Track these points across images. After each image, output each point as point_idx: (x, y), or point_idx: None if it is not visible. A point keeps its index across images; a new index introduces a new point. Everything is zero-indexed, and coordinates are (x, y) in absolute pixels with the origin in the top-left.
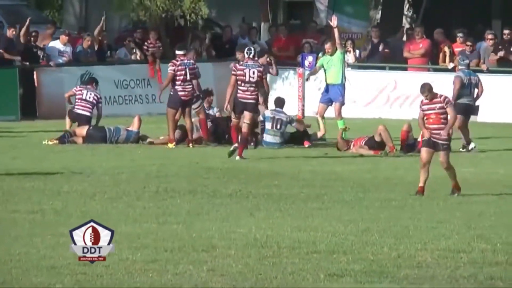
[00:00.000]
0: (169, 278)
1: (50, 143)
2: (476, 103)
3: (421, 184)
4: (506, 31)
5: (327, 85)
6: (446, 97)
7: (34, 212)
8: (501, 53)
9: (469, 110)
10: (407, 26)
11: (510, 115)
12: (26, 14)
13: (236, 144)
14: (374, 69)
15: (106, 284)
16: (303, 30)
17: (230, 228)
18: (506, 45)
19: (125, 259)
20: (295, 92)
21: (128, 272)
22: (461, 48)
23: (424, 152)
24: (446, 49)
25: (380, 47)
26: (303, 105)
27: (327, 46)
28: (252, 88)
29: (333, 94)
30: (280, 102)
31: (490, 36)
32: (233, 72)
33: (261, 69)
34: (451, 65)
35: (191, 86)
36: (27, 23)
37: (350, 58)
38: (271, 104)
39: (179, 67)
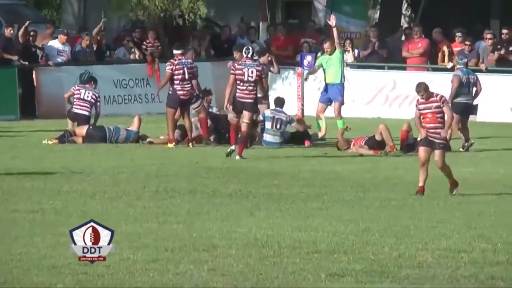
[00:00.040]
0: (170, 278)
1: (49, 142)
2: (475, 103)
3: (420, 184)
4: (504, 31)
5: (326, 84)
6: (442, 96)
7: (34, 212)
8: (500, 52)
9: (468, 109)
10: (405, 25)
11: (509, 114)
12: (25, 14)
13: (233, 147)
14: (373, 68)
15: (107, 284)
16: (301, 30)
17: (230, 228)
18: (505, 45)
19: (126, 258)
20: (294, 92)
21: (129, 272)
22: (460, 48)
23: (422, 151)
24: (445, 48)
25: (376, 46)
26: (302, 105)
27: (326, 45)
28: (250, 88)
29: (332, 94)
30: (280, 102)
31: (489, 36)
32: (231, 72)
33: (259, 68)
34: (450, 65)
35: (189, 85)
36: (26, 24)
37: (349, 57)
38: (270, 104)
39: (177, 66)
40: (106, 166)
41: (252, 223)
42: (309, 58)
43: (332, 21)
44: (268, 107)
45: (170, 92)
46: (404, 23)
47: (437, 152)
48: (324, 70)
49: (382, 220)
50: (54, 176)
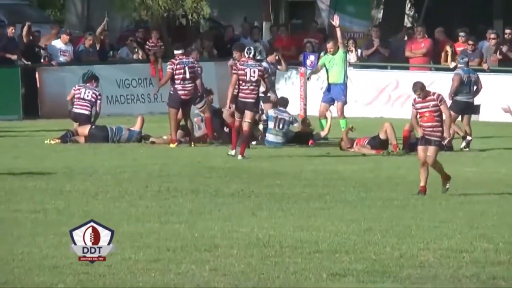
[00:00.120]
0: (171, 278)
1: (52, 142)
2: (478, 102)
3: (422, 184)
4: (507, 31)
5: (329, 84)
6: (439, 95)
7: (36, 212)
8: (504, 49)
9: (468, 107)
10: (408, 25)
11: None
12: (28, 13)
13: (233, 151)
14: (375, 68)
15: (108, 283)
16: (304, 30)
17: (232, 228)
18: (508, 45)
19: (128, 258)
20: (297, 92)
21: (130, 271)
22: (463, 48)
23: (421, 150)
24: (448, 48)
25: (379, 45)
26: (305, 105)
27: (329, 45)
28: (252, 87)
29: (335, 94)
30: (283, 102)
31: (492, 36)
32: (234, 71)
33: (261, 68)
34: (452, 65)
35: (191, 85)
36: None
37: (352, 57)
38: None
39: (178, 66)
40: (108, 165)
41: (254, 223)
42: (312, 58)
43: (336, 21)
44: (274, 102)
45: (171, 92)
46: (407, 23)
47: (431, 148)
48: (327, 70)
49: (384, 220)
50: (56, 176)
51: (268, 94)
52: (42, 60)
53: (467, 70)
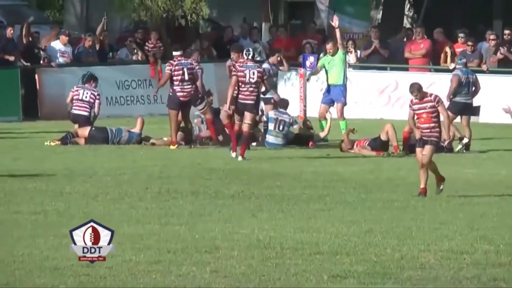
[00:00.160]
0: (172, 280)
1: (52, 144)
2: (478, 104)
3: (422, 186)
4: (506, 31)
5: (329, 85)
6: (436, 96)
7: (37, 213)
8: (502, 51)
9: (467, 108)
10: (408, 26)
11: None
12: (27, 14)
13: (234, 154)
14: (375, 69)
15: (109, 285)
16: (304, 31)
17: (232, 229)
18: (507, 45)
19: (128, 260)
20: (296, 93)
21: (131, 273)
22: (462, 49)
23: (419, 152)
24: (448, 49)
25: (377, 46)
26: (304, 106)
27: (329, 46)
28: (251, 89)
29: (335, 95)
30: (283, 103)
31: (492, 37)
32: (233, 73)
33: (261, 69)
34: (452, 66)
35: (190, 86)
36: (27, 20)
37: (351, 58)
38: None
39: (176, 67)
40: (108, 167)
41: (255, 225)
42: (311, 59)
43: (335, 22)
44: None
45: (170, 94)
46: (406, 23)
47: (427, 147)
48: (326, 71)
49: (384, 222)
50: (57, 178)
51: (270, 95)
52: (41, 61)
53: (465, 71)
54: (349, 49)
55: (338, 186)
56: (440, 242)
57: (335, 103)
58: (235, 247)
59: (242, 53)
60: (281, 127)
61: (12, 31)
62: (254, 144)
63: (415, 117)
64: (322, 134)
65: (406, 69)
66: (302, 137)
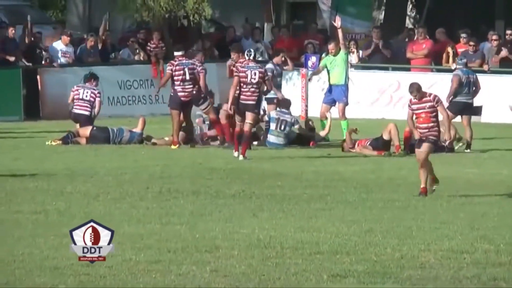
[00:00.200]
0: (172, 279)
1: (53, 143)
2: (480, 104)
3: (422, 185)
4: (508, 32)
5: (330, 85)
6: (435, 96)
7: (37, 213)
8: (504, 53)
9: (467, 108)
10: (410, 26)
11: None
12: (30, 14)
13: (236, 153)
14: (377, 69)
15: (109, 284)
16: (306, 31)
17: (233, 229)
18: (509, 46)
19: (128, 259)
20: (298, 93)
21: (131, 272)
22: (465, 49)
23: (418, 152)
24: (450, 49)
25: (380, 46)
26: (306, 106)
27: (331, 46)
28: (253, 89)
29: (336, 95)
30: (285, 103)
31: (494, 37)
32: (235, 74)
33: (262, 70)
34: (454, 66)
35: (191, 86)
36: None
37: (353, 58)
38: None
39: (177, 67)
40: (109, 167)
41: (255, 224)
42: (313, 59)
43: (338, 22)
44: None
45: (172, 94)
46: (408, 24)
47: (425, 144)
48: (328, 71)
49: (385, 221)
50: (58, 177)
51: (274, 95)
52: (43, 62)
53: (465, 71)
54: (351, 49)
55: (339, 185)
56: (440, 242)
57: (337, 103)
58: (235, 246)
59: (242, 53)
60: (282, 127)
61: (13, 31)
62: (255, 143)
63: (414, 117)
64: (322, 133)
65: (408, 69)
66: (303, 137)
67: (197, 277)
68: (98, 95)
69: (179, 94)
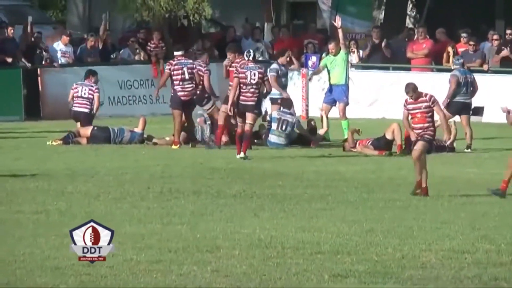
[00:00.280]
0: (173, 279)
1: (54, 143)
2: (482, 104)
3: (423, 185)
4: (508, 31)
5: (331, 85)
6: (432, 96)
7: (38, 213)
8: (505, 52)
9: (465, 108)
10: (410, 26)
11: None
12: (30, 14)
13: (241, 154)
14: (377, 69)
15: (110, 284)
16: (305, 31)
17: (234, 229)
18: (510, 45)
19: (129, 259)
20: (299, 93)
21: (132, 272)
22: (465, 48)
23: (413, 151)
24: (450, 49)
25: (382, 45)
26: (307, 105)
27: (331, 46)
28: (252, 90)
29: (337, 95)
30: (287, 103)
31: (495, 37)
32: (235, 75)
33: (262, 70)
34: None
35: (191, 86)
36: (29, 20)
37: (354, 58)
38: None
39: (175, 67)
40: (110, 167)
41: (256, 224)
42: (313, 59)
43: (338, 22)
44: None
45: (172, 94)
46: (409, 23)
47: (419, 142)
48: (328, 71)
49: (386, 221)
50: (58, 177)
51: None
52: (43, 62)
53: (463, 71)
54: (352, 49)
55: (340, 185)
56: (441, 242)
57: (337, 102)
58: (236, 246)
59: (239, 53)
60: (283, 127)
61: (12, 31)
62: (256, 141)
63: (410, 117)
64: (321, 131)
65: (409, 69)
66: (304, 137)
67: (198, 277)
68: (96, 91)
69: (179, 93)
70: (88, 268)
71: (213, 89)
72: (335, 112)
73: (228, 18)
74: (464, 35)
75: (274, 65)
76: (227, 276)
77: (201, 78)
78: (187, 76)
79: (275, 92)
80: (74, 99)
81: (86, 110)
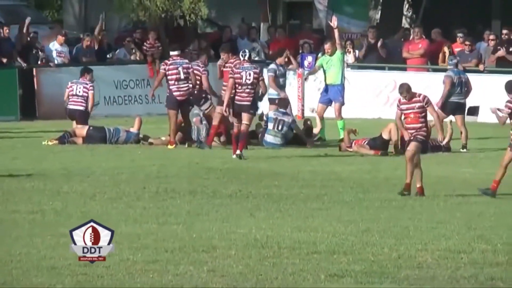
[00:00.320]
0: (169, 279)
1: (49, 143)
2: (477, 104)
3: (418, 185)
4: (505, 31)
5: (327, 85)
6: (425, 97)
7: (34, 213)
8: (501, 52)
9: (459, 108)
10: (406, 26)
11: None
12: (26, 14)
13: (234, 156)
14: (373, 69)
15: (106, 284)
16: (301, 31)
17: (230, 229)
18: (506, 45)
19: (126, 259)
20: (294, 93)
21: (128, 272)
22: (461, 48)
23: (406, 152)
24: (446, 49)
25: (378, 45)
26: (302, 105)
27: (327, 46)
28: (248, 90)
29: (333, 95)
30: (283, 103)
31: (491, 37)
32: (230, 75)
33: (257, 70)
34: None
35: (186, 85)
36: (26, 21)
37: (350, 58)
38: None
39: (170, 67)
40: (106, 167)
41: (252, 224)
42: (309, 58)
43: (334, 22)
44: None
45: (168, 94)
46: (405, 23)
47: (412, 143)
48: (324, 71)
49: (382, 221)
50: (54, 177)
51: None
52: (39, 62)
53: (456, 71)
54: (348, 49)
55: (335, 185)
56: (437, 242)
57: (333, 102)
58: (233, 246)
59: (233, 53)
60: (280, 127)
61: (7, 31)
62: (252, 141)
63: (403, 117)
64: (315, 130)
65: (404, 69)
66: (300, 137)
67: (194, 277)
68: (90, 88)
69: (175, 93)
70: (84, 268)
71: (212, 88)
72: (330, 112)
73: (224, 18)
74: (460, 35)
75: (272, 66)
76: (224, 276)
77: (197, 78)
78: (182, 76)
79: (273, 92)
80: (70, 97)
81: (81, 108)
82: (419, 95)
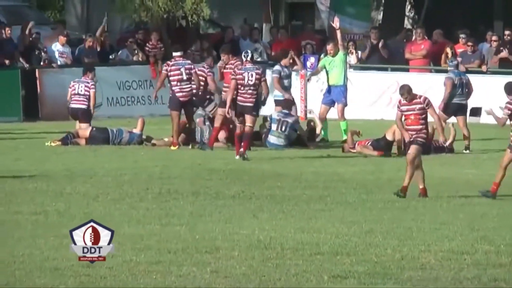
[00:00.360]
0: (172, 280)
1: (52, 144)
2: (480, 105)
3: (421, 186)
4: (507, 32)
5: (329, 86)
6: (426, 98)
7: (37, 214)
8: (504, 53)
9: (460, 109)
10: (408, 27)
11: None
12: (28, 15)
13: (237, 157)
14: (376, 70)
15: (109, 285)
16: (304, 32)
17: (233, 230)
18: (508, 46)
19: (129, 260)
20: (297, 94)
21: (131, 273)
22: (463, 49)
23: (407, 155)
24: (448, 50)
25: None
26: (305, 106)
27: (329, 47)
28: (250, 91)
29: (335, 96)
30: (287, 104)
31: (494, 38)
32: (232, 76)
33: (259, 71)
34: None
35: (189, 86)
36: (29, 26)
37: (352, 59)
38: (270, 106)
39: (172, 67)
40: (109, 168)
41: (255, 225)
42: (312, 59)
43: (336, 23)
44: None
45: (170, 95)
46: (407, 24)
47: (413, 146)
48: (327, 71)
49: (385, 222)
50: (57, 178)
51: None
52: (42, 62)
53: (457, 72)
54: (350, 50)
55: (338, 186)
56: (440, 243)
57: (336, 103)
58: (236, 247)
59: (233, 55)
60: (283, 128)
61: (9, 31)
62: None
63: (403, 118)
64: (317, 130)
65: (407, 70)
66: (303, 138)
67: (197, 278)
68: (91, 86)
69: (177, 94)
70: (87, 269)
71: (218, 87)
72: (333, 113)
73: (227, 19)
74: (462, 36)
75: (277, 67)
76: (227, 277)
77: (200, 80)
78: (184, 77)
79: (278, 94)
80: (72, 96)
81: (83, 107)
82: (420, 96)
